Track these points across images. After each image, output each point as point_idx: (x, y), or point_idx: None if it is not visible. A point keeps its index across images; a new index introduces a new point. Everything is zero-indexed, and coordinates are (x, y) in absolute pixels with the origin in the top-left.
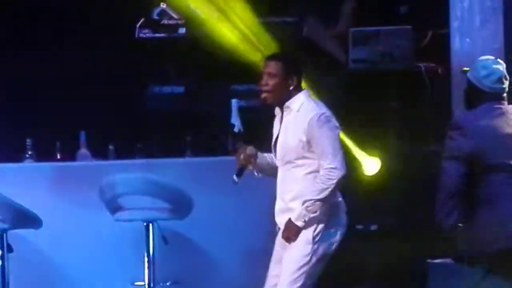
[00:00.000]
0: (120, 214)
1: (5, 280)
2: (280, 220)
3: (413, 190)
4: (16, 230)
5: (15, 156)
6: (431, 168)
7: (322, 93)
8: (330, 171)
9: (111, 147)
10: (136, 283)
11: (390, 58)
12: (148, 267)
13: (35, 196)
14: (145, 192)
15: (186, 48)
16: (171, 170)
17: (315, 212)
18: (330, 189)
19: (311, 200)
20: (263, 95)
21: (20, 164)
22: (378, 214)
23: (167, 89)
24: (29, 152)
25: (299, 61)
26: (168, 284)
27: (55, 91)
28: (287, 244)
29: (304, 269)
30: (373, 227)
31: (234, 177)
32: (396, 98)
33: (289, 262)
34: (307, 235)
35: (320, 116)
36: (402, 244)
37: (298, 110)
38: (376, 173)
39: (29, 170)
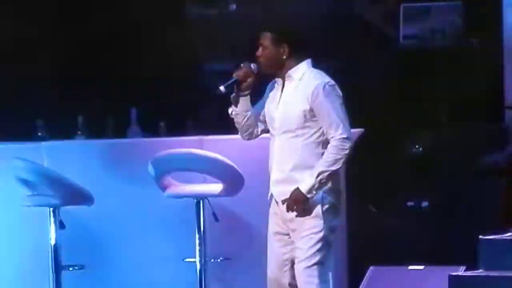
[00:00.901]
0: (171, 191)
1: (58, 257)
2: (278, 190)
3: (465, 167)
4: (68, 207)
5: (67, 133)
6: (482, 144)
7: (373, 70)
8: (343, 141)
9: (162, 124)
10: (187, 260)
11: (442, 34)
12: (199, 244)
13: (86, 173)
14: (196, 169)
15: (237, 24)
16: (223, 147)
17: (327, 184)
18: (343, 160)
19: (325, 171)
20: (260, 65)
21: (72, 141)
22: (429, 191)
23: (218, 66)
24: (81, 129)
25: (291, 30)
26: (219, 260)
27: (107, 67)
28: (287, 217)
29: (319, 244)
30: (424, 204)
31: (222, 86)
32: (447, 74)
33: (303, 239)
34: (316, 209)
35: (325, 85)
36: (454, 220)
37: (300, 79)
38: (427, 150)
39: (81, 147)
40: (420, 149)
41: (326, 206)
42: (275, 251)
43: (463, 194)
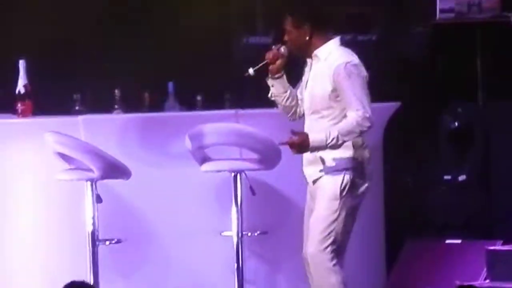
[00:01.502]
0: (207, 165)
1: (94, 231)
2: (308, 173)
3: (503, 141)
4: (105, 181)
5: (104, 107)
6: None
7: (410, 44)
8: (365, 119)
9: (199, 97)
10: (224, 234)
11: (478, 8)
12: (236, 218)
13: (123, 147)
14: (233, 143)
15: None
16: (260, 120)
17: (335, 147)
18: (355, 135)
19: (335, 138)
20: (288, 49)
21: (109, 115)
22: (467, 164)
23: (254, 39)
24: (118, 103)
25: (309, 11)
26: (256, 234)
27: (143, 41)
28: (317, 198)
29: (333, 226)
30: (462, 178)
31: (251, 69)
32: (483, 49)
33: (317, 220)
34: (334, 190)
35: (346, 64)
36: (491, 194)
37: (325, 59)
38: (465, 124)
39: (118, 121)
40: (456, 123)
41: (345, 186)
42: (306, 231)
43: (501, 168)
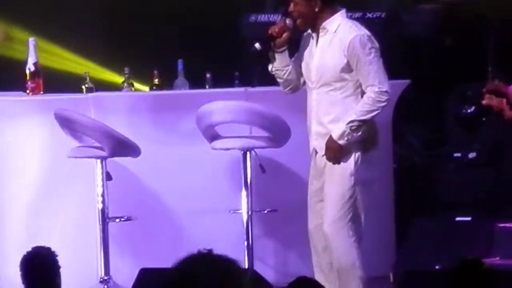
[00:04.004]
0: (217, 142)
1: (105, 207)
2: (319, 144)
3: None
4: (115, 158)
5: (113, 84)
6: None
7: (418, 21)
8: (381, 94)
9: (208, 75)
10: (233, 211)
11: None
12: (246, 196)
13: (133, 125)
14: (242, 120)
15: None
16: (269, 98)
17: (359, 132)
18: (377, 112)
19: (357, 119)
20: (294, 21)
21: (118, 93)
22: (477, 142)
23: (263, 16)
24: (127, 81)
25: None
26: (265, 212)
27: (153, 19)
28: (325, 174)
29: (351, 201)
30: (472, 155)
31: (257, 43)
32: (493, 28)
33: (334, 197)
34: (347, 168)
35: (361, 37)
36: (501, 172)
37: (335, 31)
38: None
39: (127, 99)
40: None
41: (357, 159)
42: (312, 206)
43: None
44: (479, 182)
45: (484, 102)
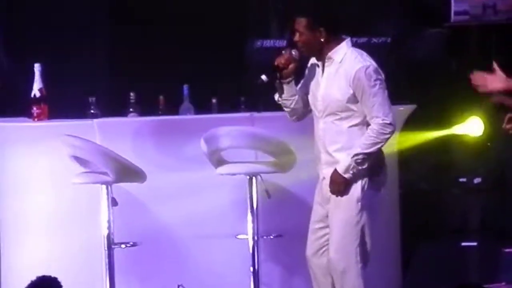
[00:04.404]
0: (223, 168)
1: (110, 233)
2: (329, 173)
3: None
4: (121, 184)
5: (120, 110)
6: None
7: (425, 46)
8: (385, 126)
9: (214, 100)
10: (239, 237)
11: (493, 10)
12: (252, 221)
13: (139, 150)
14: (248, 145)
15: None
16: (275, 123)
17: (364, 165)
18: (382, 144)
19: (361, 153)
20: (300, 51)
21: (124, 118)
22: (482, 167)
23: (269, 42)
24: (133, 106)
25: (325, 13)
26: (271, 237)
27: (159, 44)
28: (331, 201)
29: (358, 227)
30: (477, 180)
31: (263, 76)
32: (498, 52)
33: (341, 223)
34: (354, 194)
35: (367, 68)
36: (505, 196)
37: (340, 61)
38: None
39: (133, 124)
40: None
41: (363, 186)
42: (314, 231)
43: None
44: (485, 206)
45: (495, 99)
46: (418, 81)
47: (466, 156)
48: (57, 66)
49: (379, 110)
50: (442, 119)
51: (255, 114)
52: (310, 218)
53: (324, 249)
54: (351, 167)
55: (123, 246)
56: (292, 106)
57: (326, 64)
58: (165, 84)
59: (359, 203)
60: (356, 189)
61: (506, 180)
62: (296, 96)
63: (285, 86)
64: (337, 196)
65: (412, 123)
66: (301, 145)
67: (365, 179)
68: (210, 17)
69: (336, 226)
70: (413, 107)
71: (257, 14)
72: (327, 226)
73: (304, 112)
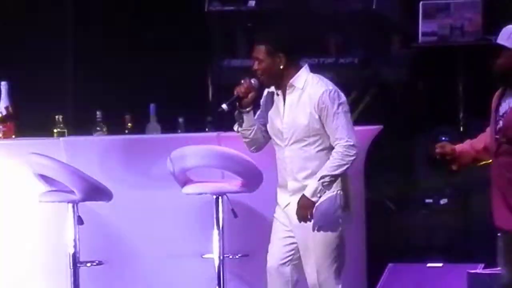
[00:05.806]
0: (189, 187)
1: (76, 252)
2: (295, 200)
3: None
4: (87, 203)
5: (86, 128)
6: None
7: (392, 67)
8: (349, 148)
9: (180, 119)
10: (205, 256)
11: (460, 31)
12: (218, 240)
13: (105, 169)
14: (214, 165)
15: (256, 21)
16: (241, 143)
17: (330, 186)
18: (347, 166)
19: (328, 175)
20: (259, 79)
21: (91, 137)
22: (448, 188)
23: (236, 62)
24: (99, 125)
25: (285, 39)
26: (237, 257)
27: (125, 63)
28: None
29: (338, 250)
30: (443, 201)
31: (224, 105)
32: (465, 73)
33: (321, 246)
34: (333, 208)
35: (330, 92)
36: (473, 217)
37: (302, 87)
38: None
39: (100, 143)
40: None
41: (340, 202)
42: (281, 240)
43: (483, 191)
44: (450, 226)
45: (437, 151)
46: (385, 101)
47: (432, 177)
48: (24, 85)
49: (342, 133)
50: (408, 139)
51: (222, 133)
52: None
53: (290, 258)
54: (319, 189)
55: (88, 264)
56: (251, 136)
57: (287, 91)
58: (132, 103)
59: (339, 220)
60: (336, 204)
61: (472, 201)
62: (255, 126)
63: (244, 116)
64: (305, 222)
65: (378, 143)
66: (267, 165)
67: (340, 194)
68: (176, 36)
69: (315, 248)
70: (379, 127)
71: (224, 34)
72: (294, 237)
73: (262, 143)
